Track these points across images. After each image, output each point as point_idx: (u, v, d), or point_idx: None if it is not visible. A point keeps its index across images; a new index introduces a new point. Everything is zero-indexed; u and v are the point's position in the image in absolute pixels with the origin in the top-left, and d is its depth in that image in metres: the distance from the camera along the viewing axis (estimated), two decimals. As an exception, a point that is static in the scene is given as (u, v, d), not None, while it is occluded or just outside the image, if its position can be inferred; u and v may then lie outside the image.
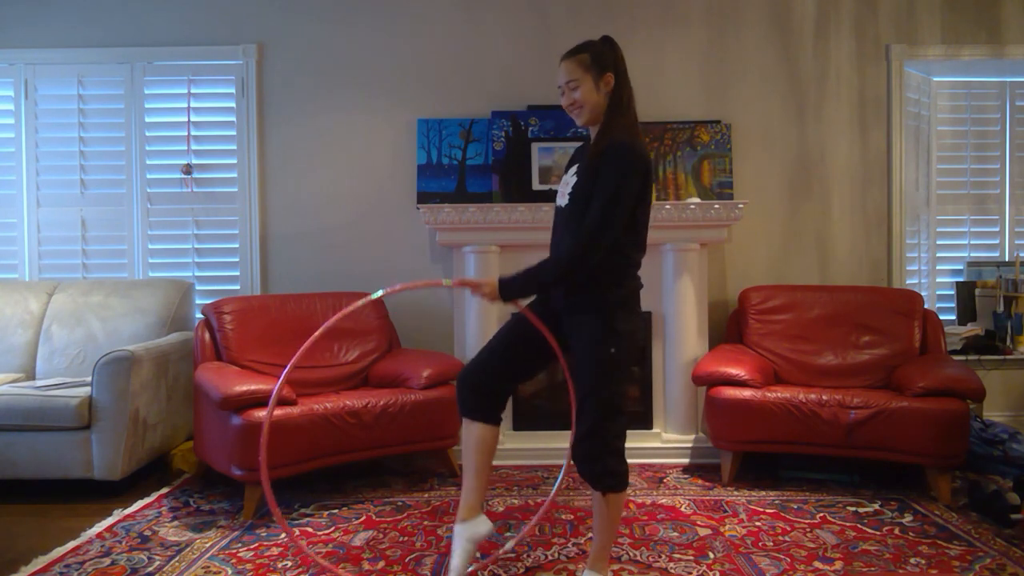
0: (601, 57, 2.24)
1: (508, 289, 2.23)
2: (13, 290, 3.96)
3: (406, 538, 2.81)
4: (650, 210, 2.29)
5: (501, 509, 3.09)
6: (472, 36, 4.22)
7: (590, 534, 2.61)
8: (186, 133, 4.22)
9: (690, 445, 3.80)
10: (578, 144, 2.51)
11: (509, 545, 2.59)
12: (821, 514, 3.02)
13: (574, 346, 2.28)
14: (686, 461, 3.77)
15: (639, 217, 2.23)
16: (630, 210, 2.17)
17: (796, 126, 4.24)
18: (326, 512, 3.09)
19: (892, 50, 4.23)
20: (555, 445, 3.66)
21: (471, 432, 2.35)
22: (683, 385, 3.81)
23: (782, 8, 4.23)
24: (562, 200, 2.30)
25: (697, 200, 3.85)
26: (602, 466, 2.20)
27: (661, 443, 3.84)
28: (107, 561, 2.62)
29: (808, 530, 2.85)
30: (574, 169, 2.31)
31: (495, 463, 2.60)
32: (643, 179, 2.19)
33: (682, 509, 3.09)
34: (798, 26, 4.24)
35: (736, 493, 3.29)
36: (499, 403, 2.38)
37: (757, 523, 2.93)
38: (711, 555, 2.63)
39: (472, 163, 4.10)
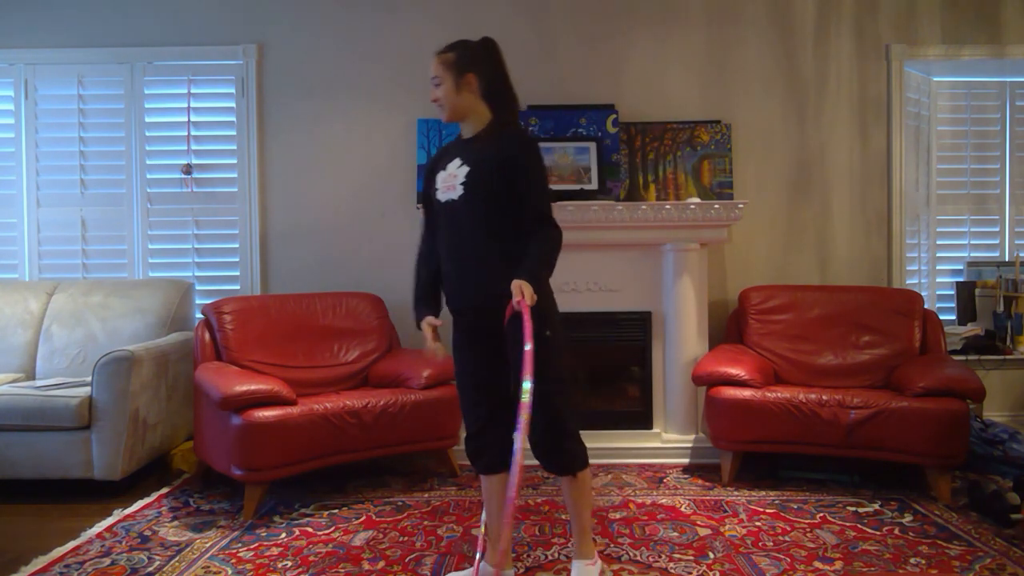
0: (466, 58, 2.29)
1: (539, 281, 2.17)
2: (13, 290, 3.97)
3: (406, 538, 2.81)
4: None
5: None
6: (472, 36, 4.19)
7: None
8: (186, 133, 4.22)
9: (690, 445, 3.80)
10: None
11: None
12: (821, 514, 3.02)
13: (508, 341, 2.22)
14: (686, 461, 3.77)
15: None
16: None
17: (796, 126, 4.24)
18: (326, 512, 3.09)
19: (892, 50, 4.23)
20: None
21: (493, 483, 2.37)
22: (683, 385, 3.81)
23: (782, 8, 4.23)
24: (451, 194, 2.26)
25: (697, 200, 3.85)
26: (564, 452, 2.25)
27: (661, 443, 3.84)
28: (107, 561, 2.63)
29: (808, 530, 2.85)
30: (457, 162, 2.28)
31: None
32: None
33: (682, 509, 3.09)
34: (798, 26, 4.24)
35: (736, 493, 3.29)
36: (507, 444, 2.34)
37: (757, 523, 2.93)
38: (711, 555, 2.63)
39: (472, 163, 4.09)
